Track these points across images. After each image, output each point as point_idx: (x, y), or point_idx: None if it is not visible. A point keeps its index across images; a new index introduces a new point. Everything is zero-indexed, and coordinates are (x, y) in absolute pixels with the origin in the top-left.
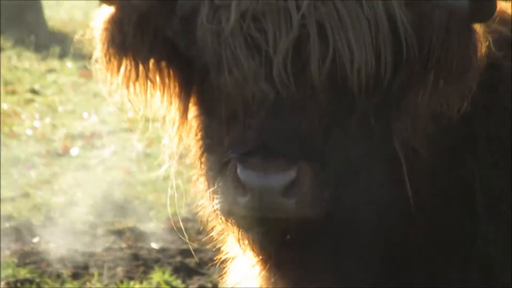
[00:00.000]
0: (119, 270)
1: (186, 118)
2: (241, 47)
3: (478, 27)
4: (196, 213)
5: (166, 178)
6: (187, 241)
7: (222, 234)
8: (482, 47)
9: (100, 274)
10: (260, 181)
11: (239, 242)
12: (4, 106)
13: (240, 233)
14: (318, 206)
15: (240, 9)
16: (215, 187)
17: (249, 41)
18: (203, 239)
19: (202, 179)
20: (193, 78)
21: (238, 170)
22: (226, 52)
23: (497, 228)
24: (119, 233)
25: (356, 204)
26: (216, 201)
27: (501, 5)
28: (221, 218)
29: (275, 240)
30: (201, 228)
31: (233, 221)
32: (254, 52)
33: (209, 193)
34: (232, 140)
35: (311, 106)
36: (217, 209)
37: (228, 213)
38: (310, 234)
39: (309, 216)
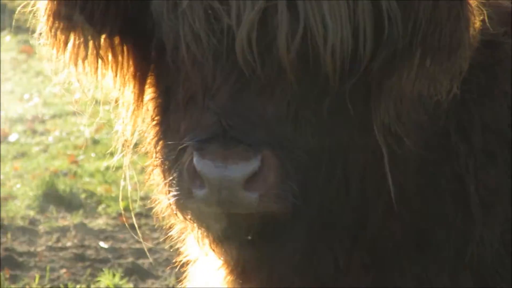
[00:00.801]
0: (63, 272)
1: (142, 101)
2: (200, 20)
3: None
4: (151, 209)
5: (117, 168)
6: (141, 239)
7: (180, 232)
8: (476, 22)
9: (42, 277)
10: (219, 172)
11: (198, 242)
12: None
13: (199, 231)
14: (284, 201)
15: None
16: (170, 178)
17: (210, 13)
18: (159, 238)
19: (158, 170)
20: (150, 56)
21: (195, 159)
22: (183, 26)
23: (493, 228)
24: (64, 230)
25: (329, 198)
26: (171, 194)
27: None
28: (177, 214)
29: (236, 239)
30: (157, 226)
31: (190, 217)
32: (214, 26)
33: (165, 185)
34: (189, 125)
35: (278, 88)
36: (172, 203)
37: (184, 208)
38: (276, 231)
39: (274, 211)
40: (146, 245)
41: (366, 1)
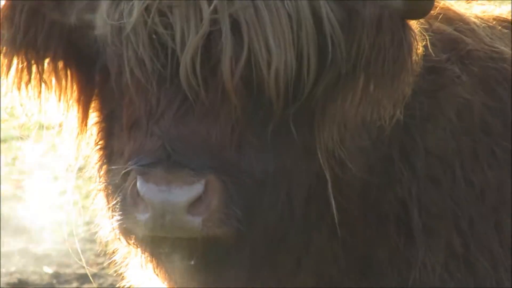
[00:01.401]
0: None
1: (86, 125)
2: (144, 45)
3: (414, 25)
4: (96, 233)
5: (62, 193)
6: (85, 265)
7: (124, 257)
8: (419, 48)
9: None
10: (162, 196)
11: (142, 266)
12: None
13: (143, 255)
14: (228, 225)
15: (144, 2)
16: (114, 203)
17: (154, 38)
18: (103, 263)
19: (102, 194)
20: (94, 81)
21: (138, 184)
22: (127, 51)
23: (436, 253)
24: (7, 256)
25: (273, 222)
26: (114, 219)
27: (445, 2)
28: (121, 239)
29: (180, 263)
30: (101, 251)
31: (133, 242)
32: (159, 51)
33: (108, 210)
34: (133, 150)
35: (223, 113)
36: (116, 228)
37: (128, 233)
38: (220, 256)
39: (217, 236)
40: (90, 271)
41: (310, 25)
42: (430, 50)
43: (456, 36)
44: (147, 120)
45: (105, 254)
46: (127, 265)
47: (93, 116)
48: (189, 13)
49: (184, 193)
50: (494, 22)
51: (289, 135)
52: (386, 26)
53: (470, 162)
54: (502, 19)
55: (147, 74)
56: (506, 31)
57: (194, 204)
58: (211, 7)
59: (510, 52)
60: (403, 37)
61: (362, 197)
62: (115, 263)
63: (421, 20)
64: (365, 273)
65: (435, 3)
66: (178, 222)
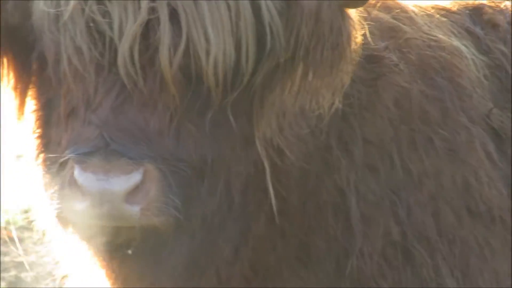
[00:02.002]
0: None
1: (23, 113)
2: (82, 33)
3: (353, 14)
4: (34, 221)
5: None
6: (22, 253)
7: (63, 245)
8: (357, 36)
9: None
10: (100, 185)
11: (81, 254)
12: None
13: (81, 244)
14: (166, 214)
15: None
16: (52, 191)
17: (92, 26)
18: (41, 251)
19: (40, 183)
20: (31, 69)
21: (76, 172)
22: (65, 39)
23: (374, 241)
24: None
25: (212, 211)
26: (52, 207)
27: None
28: (59, 227)
29: (118, 252)
30: (39, 239)
31: (71, 230)
32: (96, 39)
33: (46, 198)
34: (71, 138)
35: (161, 102)
36: (54, 216)
37: (66, 222)
38: (159, 245)
39: (156, 224)
40: (28, 259)
41: (248, 15)
42: (369, 38)
43: (394, 24)
44: (85, 108)
45: (43, 242)
46: (65, 253)
47: (31, 104)
48: (126, 1)
49: (122, 182)
50: (432, 11)
51: (227, 124)
52: (325, 15)
53: (408, 151)
54: (440, 7)
55: (85, 63)
56: (444, 19)
57: (132, 193)
58: None
59: (448, 40)
60: (342, 26)
61: (300, 185)
62: (54, 251)
63: (360, 9)
64: (303, 261)
65: None
66: (116, 211)
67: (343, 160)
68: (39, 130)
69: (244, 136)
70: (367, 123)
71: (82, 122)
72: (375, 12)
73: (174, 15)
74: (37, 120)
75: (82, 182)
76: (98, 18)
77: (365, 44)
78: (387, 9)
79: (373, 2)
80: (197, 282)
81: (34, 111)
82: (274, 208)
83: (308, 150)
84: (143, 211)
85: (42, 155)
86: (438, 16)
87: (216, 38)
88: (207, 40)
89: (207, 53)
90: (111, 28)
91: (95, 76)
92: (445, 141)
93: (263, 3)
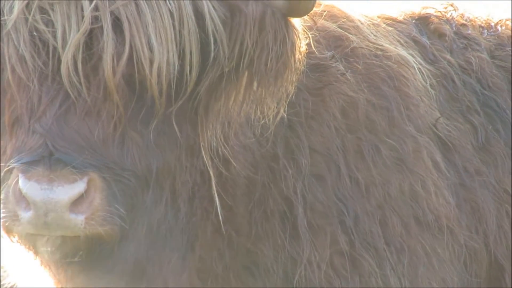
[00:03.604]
0: None
1: None
2: (25, 42)
3: (297, 23)
4: None
5: None
6: None
7: (12, 253)
8: (302, 46)
9: None
10: (44, 194)
11: (29, 263)
12: None
13: (28, 253)
14: (111, 223)
15: None
16: None
17: (35, 35)
18: None
19: None
20: None
21: (20, 181)
22: (8, 48)
23: (322, 250)
24: None
25: (158, 220)
26: None
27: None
28: (4, 236)
29: (64, 260)
30: None
31: (17, 239)
32: (40, 48)
33: None
34: (15, 147)
35: (105, 110)
36: (1, 225)
37: (10, 231)
38: (104, 254)
39: (101, 234)
40: None
41: (192, 23)
42: (314, 47)
43: (340, 34)
44: (29, 117)
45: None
46: (14, 261)
47: None
48: (70, 10)
49: (65, 191)
50: (378, 20)
51: (172, 133)
52: (269, 24)
53: (355, 160)
54: (386, 17)
55: (28, 72)
56: (390, 29)
57: (76, 202)
58: (92, 5)
59: (394, 50)
60: (286, 35)
61: (247, 194)
62: (2, 260)
63: (305, 18)
64: (251, 270)
65: (319, 1)
66: (61, 220)
67: (289, 169)
68: None
69: (189, 145)
70: (314, 132)
71: (26, 131)
72: (321, 22)
73: (117, 24)
74: None
75: (26, 191)
76: (42, 27)
77: (311, 53)
78: (333, 18)
79: (319, 11)
80: None
81: None
82: (220, 217)
83: (254, 159)
84: (87, 220)
85: None
86: (384, 25)
87: (159, 47)
88: (150, 48)
89: (151, 61)
90: (54, 37)
91: (38, 85)
92: (392, 150)
93: (206, 12)
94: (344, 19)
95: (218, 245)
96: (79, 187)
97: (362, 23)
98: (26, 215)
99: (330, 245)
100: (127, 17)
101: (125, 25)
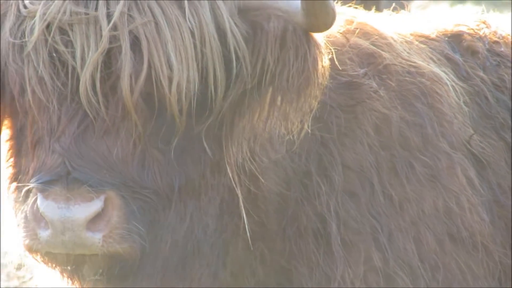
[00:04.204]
0: None
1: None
2: (45, 63)
3: (319, 38)
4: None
5: None
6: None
7: (43, 270)
8: (324, 60)
9: None
10: (61, 213)
11: (58, 278)
12: None
13: (52, 270)
14: (129, 241)
15: (45, 19)
16: (18, 219)
17: (54, 56)
18: (25, 276)
19: (13, 211)
20: (5, 98)
21: (38, 201)
22: (28, 70)
23: (355, 267)
24: None
25: (184, 237)
26: (20, 235)
27: (362, 16)
28: (27, 255)
29: (86, 278)
30: (21, 263)
31: (39, 257)
32: (59, 69)
33: (16, 226)
34: (36, 167)
35: (123, 129)
36: (22, 244)
37: (31, 250)
38: (127, 271)
39: (119, 252)
40: (11, 283)
41: (214, 41)
42: (347, 65)
43: (373, 51)
44: (49, 138)
45: (25, 267)
46: (44, 278)
47: (6, 134)
48: (89, 30)
49: (82, 209)
50: (411, 38)
51: (196, 150)
52: (290, 40)
53: (389, 176)
54: (419, 34)
55: (48, 93)
56: (423, 46)
57: (94, 221)
58: (110, 24)
59: (427, 67)
60: (307, 51)
61: (280, 211)
62: (35, 277)
63: (338, 35)
64: (285, 287)
65: (352, 18)
66: (78, 239)
67: (322, 186)
68: (11, 159)
69: (214, 162)
70: (347, 149)
71: (46, 151)
72: (354, 39)
73: (136, 43)
74: (10, 149)
75: (43, 210)
76: (61, 48)
77: (343, 70)
78: (366, 35)
79: (352, 29)
80: None
81: (8, 140)
82: (248, 234)
83: (287, 175)
84: (105, 238)
85: (13, 184)
86: (417, 43)
87: (179, 65)
88: (169, 67)
89: (169, 80)
90: (73, 57)
91: (58, 106)
92: (426, 167)
93: (228, 29)
94: (377, 36)
95: (250, 262)
96: (96, 205)
97: (395, 40)
98: (44, 234)
99: (364, 262)
100: (145, 36)
101: (144, 43)
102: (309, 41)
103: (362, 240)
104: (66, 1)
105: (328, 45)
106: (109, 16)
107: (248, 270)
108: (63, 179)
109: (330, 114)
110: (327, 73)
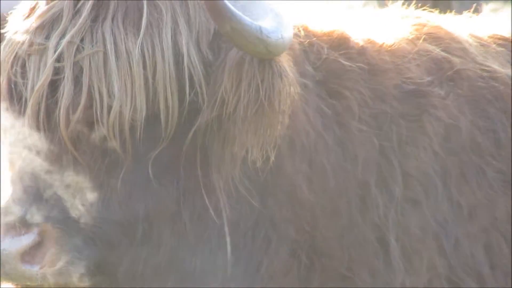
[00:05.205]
0: None
1: None
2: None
3: (283, 61)
4: None
5: None
6: None
7: None
8: (286, 87)
9: None
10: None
11: None
12: None
13: None
14: (71, 274)
15: (7, 49)
16: None
17: (12, 87)
18: None
19: None
20: None
21: None
22: None
23: (418, 275)
24: None
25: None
26: None
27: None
28: None
29: None
30: None
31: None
32: (15, 100)
33: None
34: None
35: (59, 162)
36: None
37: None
38: None
39: (62, 284)
40: None
41: (169, 68)
42: (413, 72)
43: (442, 57)
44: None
45: None
46: None
47: None
48: (41, 61)
49: (15, 242)
50: (489, 40)
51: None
52: (245, 70)
53: (457, 182)
54: (498, 37)
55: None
56: (500, 49)
57: (29, 254)
58: (55, 55)
59: (503, 71)
60: (265, 80)
61: (331, 218)
62: None
63: (406, 41)
64: None
65: (424, 22)
66: (15, 272)
67: (381, 197)
68: None
69: (190, 186)
70: (409, 157)
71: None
72: (423, 45)
73: (80, 74)
74: None
75: None
76: (18, 80)
77: (409, 78)
78: (437, 40)
79: (423, 33)
80: None
81: None
82: (228, 250)
83: (343, 184)
84: (44, 270)
85: None
86: (494, 45)
87: (122, 94)
88: (110, 96)
89: (109, 109)
90: (26, 88)
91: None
92: (499, 173)
93: (185, 57)
94: (449, 41)
95: (293, 270)
96: (29, 238)
97: (470, 44)
98: None
99: (427, 269)
100: (90, 66)
101: (86, 74)
102: (264, 70)
103: (424, 248)
104: (31, 31)
105: (291, 70)
106: (56, 47)
107: (289, 278)
108: (6, 213)
109: (391, 123)
110: (289, 100)
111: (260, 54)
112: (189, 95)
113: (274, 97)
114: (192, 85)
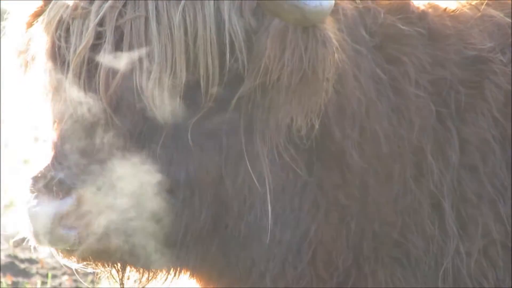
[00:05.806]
0: (65, 279)
1: None
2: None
3: (328, 28)
4: None
5: None
6: None
7: None
8: (331, 55)
9: (44, 283)
10: (36, 210)
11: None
12: None
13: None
14: (111, 240)
15: (49, 13)
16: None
17: (56, 51)
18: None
19: None
20: None
21: (26, 198)
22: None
23: (473, 241)
24: None
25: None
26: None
27: None
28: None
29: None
30: None
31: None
32: (58, 64)
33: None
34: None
35: (101, 126)
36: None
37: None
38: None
39: (101, 249)
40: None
41: (211, 35)
42: (475, 38)
43: (506, 22)
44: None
45: None
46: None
47: None
48: (83, 26)
49: (54, 206)
50: None
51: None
52: (289, 39)
53: None
54: None
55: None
56: None
57: (66, 217)
58: (97, 19)
59: None
60: (304, 49)
61: (383, 184)
62: None
63: (469, 6)
64: (400, 261)
65: None
66: (53, 235)
67: (436, 162)
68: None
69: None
70: (467, 123)
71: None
72: (487, 10)
73: (122, 38)
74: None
75: (26, 206)
76: (62, 44)
77: (470, 44)
78: (502, 5)
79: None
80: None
81: None
82: (269, 222)
83: (391, 151)
84: (81, 235)
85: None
86: None
87: (162, 60)
88: (150, 61)
89: (148, 74)
90: (69, 51)
91: (54, 101)
92: None
93: (227, 26)
94: None
95: (342, 236)
96: (67, 202)
97: None
98: (30, 230)
99: (482, 235)
100: (131, 30)
101: (126, 38)
102: (308, 38)
103: (479, 214)
104: None
105: (338, 35)
106: (98, 11)
107: (340, 243)
108: (47, 176)
109: (450, 89)
110: (333, 68)
111: (298, 21)
112: (230, 61)
113: (317, 65)
114: (232, 52)
